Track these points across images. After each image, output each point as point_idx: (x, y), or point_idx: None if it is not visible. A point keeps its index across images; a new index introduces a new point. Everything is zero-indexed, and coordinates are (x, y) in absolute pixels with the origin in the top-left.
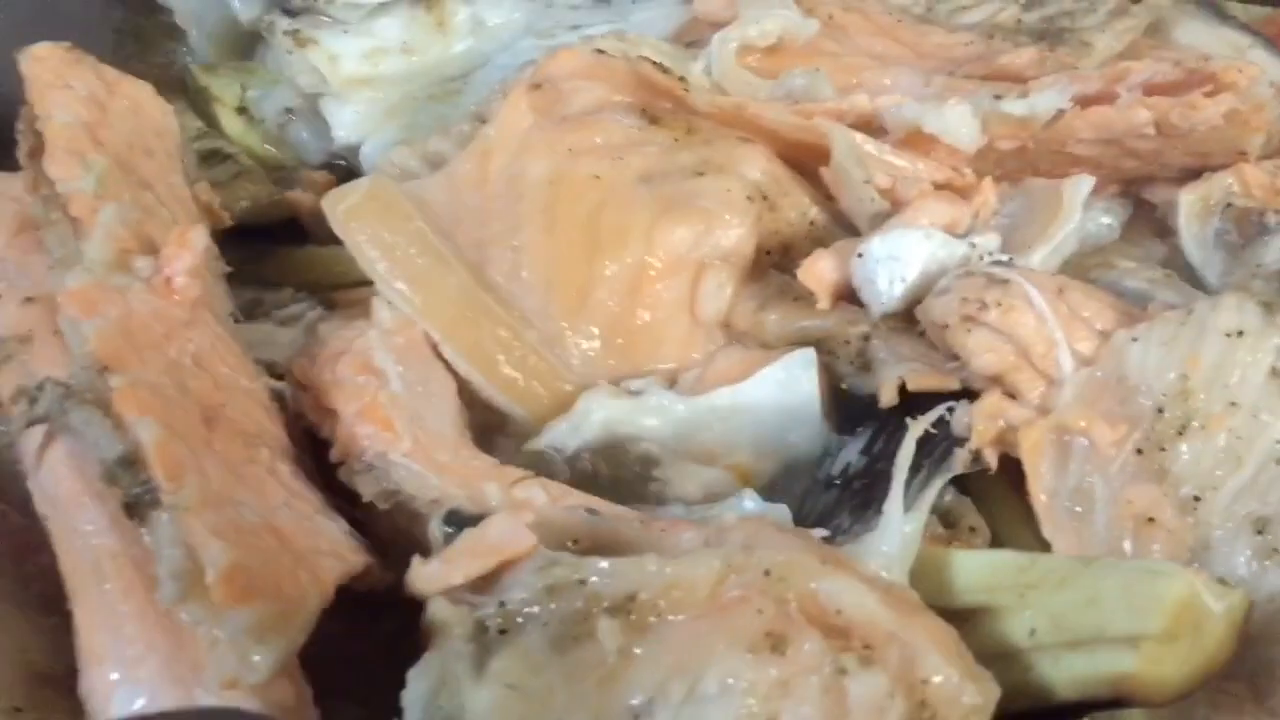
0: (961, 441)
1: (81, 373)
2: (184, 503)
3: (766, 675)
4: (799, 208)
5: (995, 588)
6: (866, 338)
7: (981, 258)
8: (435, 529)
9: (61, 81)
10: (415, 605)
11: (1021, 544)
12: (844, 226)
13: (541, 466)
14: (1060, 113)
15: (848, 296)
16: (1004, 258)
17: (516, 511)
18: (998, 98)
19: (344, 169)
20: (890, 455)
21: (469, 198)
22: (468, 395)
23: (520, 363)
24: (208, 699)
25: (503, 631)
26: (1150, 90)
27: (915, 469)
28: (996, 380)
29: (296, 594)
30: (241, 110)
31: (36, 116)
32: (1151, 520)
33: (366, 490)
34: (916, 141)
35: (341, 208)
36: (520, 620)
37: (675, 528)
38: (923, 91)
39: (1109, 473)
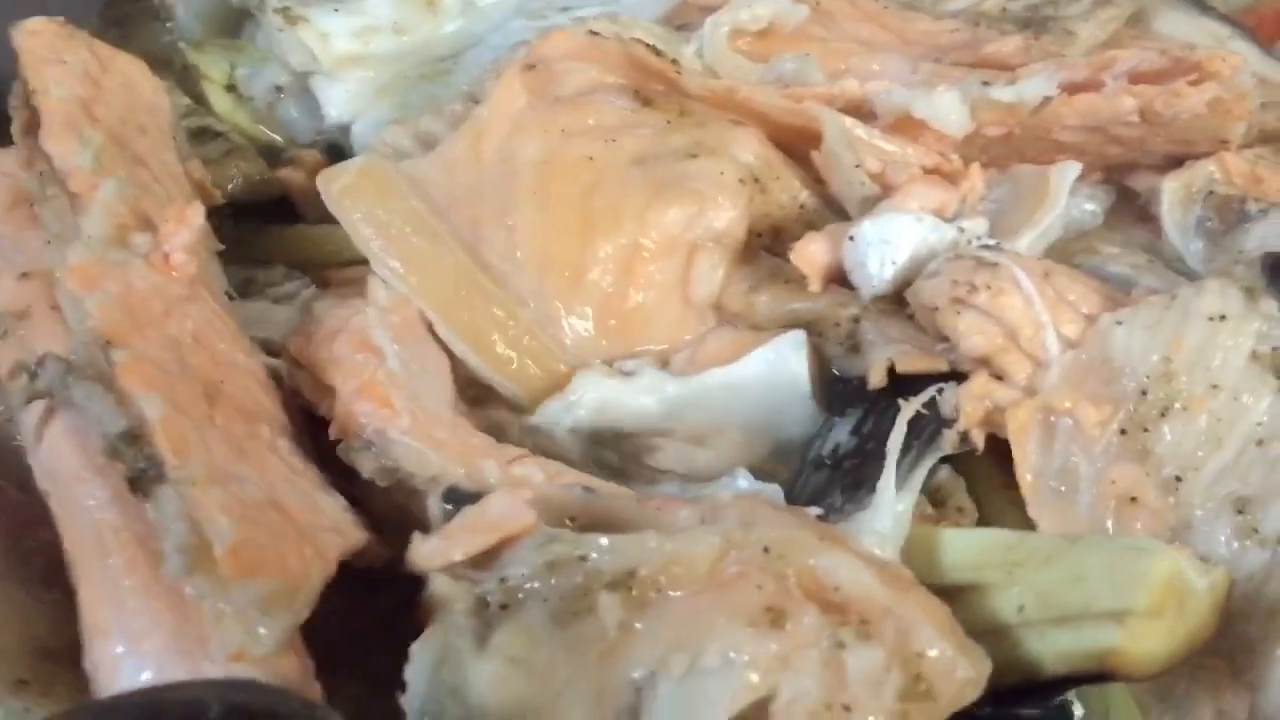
0: (950, 422)
1: (82, 348)
2: (189, 478)
3: (767, 649)
4: (790, 191)
5: (984, 565)
6: (856, 320)
7: (970, 242)
8: (434, 506)
9: (56, 56)
10: (413, 581)
11: (1008, 523)
12: (834, 210)
13: (540, 444)
14: (1047, 100)
15: (838, 279)
16: (991, 242)
17: (515, 489)
18: (986, 84)
19: (334, 148)
20: (880, 435)
21: (463, 177)
22: (460, 373)
23: (515, 342)
24: (214, 671)
25: (504, 607)
26: (1135, 78)
27: (905, 449)
28: (984, 362)
29: (301, 568)
30: (230, 88)
31: (32, 91)
32: (1134, 500)
33: (365, 467)
34: (906, 127)
35: (336, 186)
36: (521, 596)
37: (670, 505)
38: (910, 78)
39: (1093, 453)
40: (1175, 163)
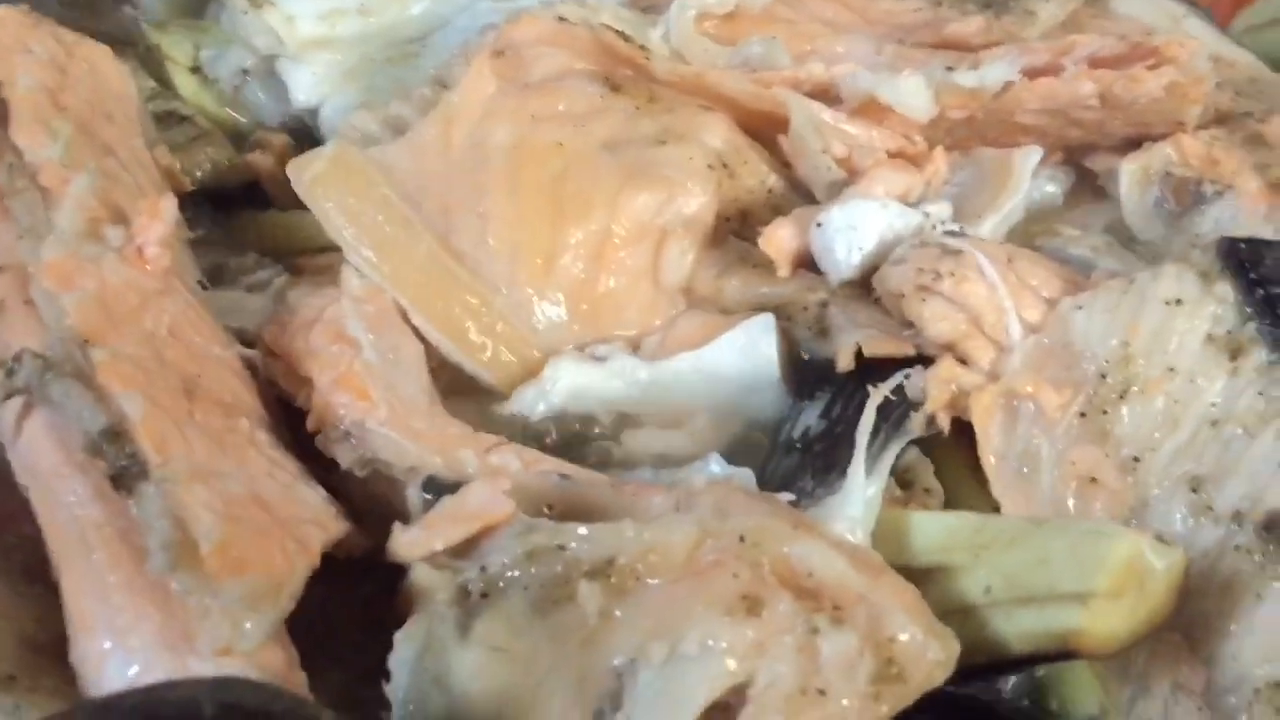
0: (917, 406)
1: (59, 345)
2: (172, 475)
3: (744, 636)
4: (758, 175)
5: (951, 548)
6: (824, 304)
7: (935, 227)
8: (414, 496)
9: (21, 45)
10: (391, 570)
11: (973, 504)
12: (801, 194)
13: (516, 432)
14: (1009, 84)
15: (806, 264)
16: (956, 227)
17: (493, 477)
18: (949, 69)
19: (302, 131)
20: (849, 419)
21: (433, 164)
22: (435, 360)
23: (489, 329)
24: (201, 666)
25: (484, 595)
26: (1095, 63)
27: (874, 433)
28: (949, 347)
29: (286, 563)
30: (195, 70)
31: None
32: (1094, 480)
33: (344, 458)
34: (870, 110)
35: (307, 175)
36: (502, 585)
37: (644, 492)
38: (875, 60)
39: (1054, 435)
40: (1134, 144)
